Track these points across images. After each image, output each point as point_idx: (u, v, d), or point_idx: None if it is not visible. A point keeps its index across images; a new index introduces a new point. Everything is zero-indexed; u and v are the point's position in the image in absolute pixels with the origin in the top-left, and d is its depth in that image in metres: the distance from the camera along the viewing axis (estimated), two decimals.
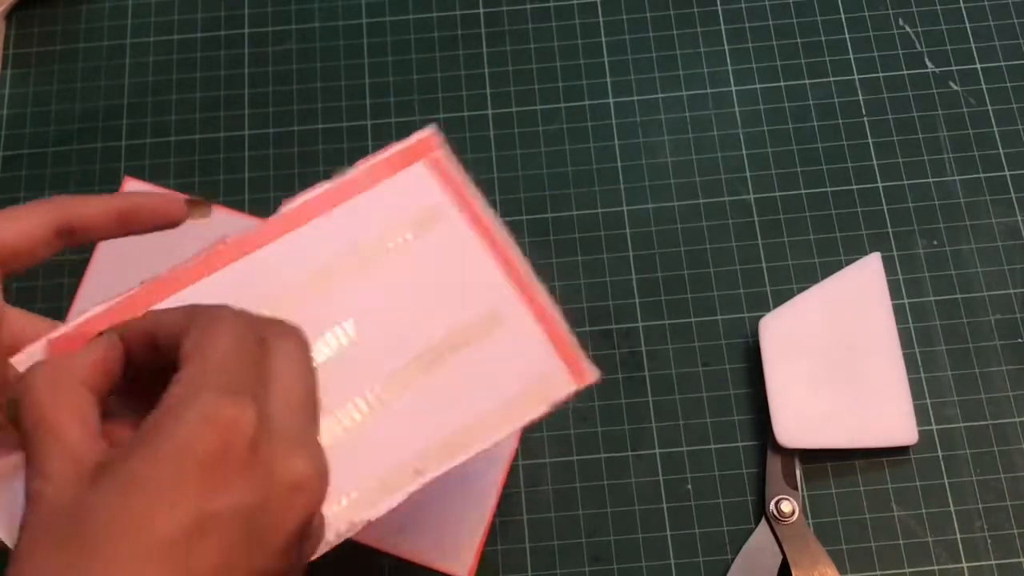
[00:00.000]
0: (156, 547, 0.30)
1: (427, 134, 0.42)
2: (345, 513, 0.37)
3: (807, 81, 0.63)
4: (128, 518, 0.30)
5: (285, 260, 0.40)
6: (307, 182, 0.61)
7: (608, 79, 0.64)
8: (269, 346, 0.34)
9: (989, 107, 0.62)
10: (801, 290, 0.57)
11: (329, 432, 0.38)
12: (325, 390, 0.35)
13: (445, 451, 0.39)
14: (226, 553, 0.31)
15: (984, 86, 0.63)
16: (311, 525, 0.34)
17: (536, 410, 0.40)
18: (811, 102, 0.63)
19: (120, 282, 0.39)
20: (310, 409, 0.34)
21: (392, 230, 0.41)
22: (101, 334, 0.36)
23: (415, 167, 0.42)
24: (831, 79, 0.63)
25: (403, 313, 0.40)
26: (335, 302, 0.40)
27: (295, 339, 0.35)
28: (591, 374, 0.40)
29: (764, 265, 0.59)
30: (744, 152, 0.62)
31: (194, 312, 0.35)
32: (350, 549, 0.54)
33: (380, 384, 0.39)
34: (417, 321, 0.40)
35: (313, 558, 0.36)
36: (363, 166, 0.42)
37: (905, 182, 0.61)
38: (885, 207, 0.60)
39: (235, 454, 0.31)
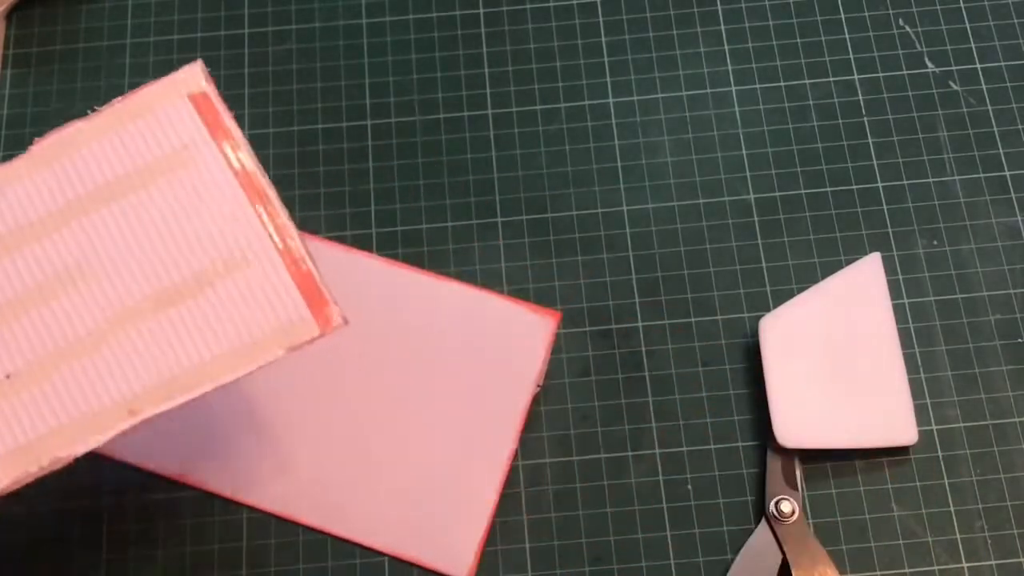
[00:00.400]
0: None
1: (192, 69, 0.41)
2: (50, 442, 0.38)
3: (807, 81, 0.63)
4: None
5: (30, 197, 0.40)
6: (307, 182, 0.61)
7: (608, 79, 0.64)
8: None
9: (989, 107, 0.62)
10: (801, 290, 0.57)
11: (34, 349, 0.39)
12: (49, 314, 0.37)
13: (164, 392, 0.39)
14: None
15: (984, 86, 0.63)
16: None
17: (272, 353, 0.39)
18: (811, 102, 0.63)
19: None
20: None
21: (145, 168, 0.41)
22: None
23: (176, 103, 0.41)
24: (831, 79, 0.63)
25: (144, 252, 0.40)
26: (72, 239, 0.40)
27: None
28: (336, 319, 0.40)
29: (764, 265, 0.59)
30: (744, 152, 0.62)
31: None
32: (349, 550, 0.54)
33: (104, 321, 0.39)
34: (158, 260, 0.40)
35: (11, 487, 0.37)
36: (119, 103, 0.41)
37: (905, 182, 0.61)
38: (885, 207, 0.60)
39: None
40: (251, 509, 0.54)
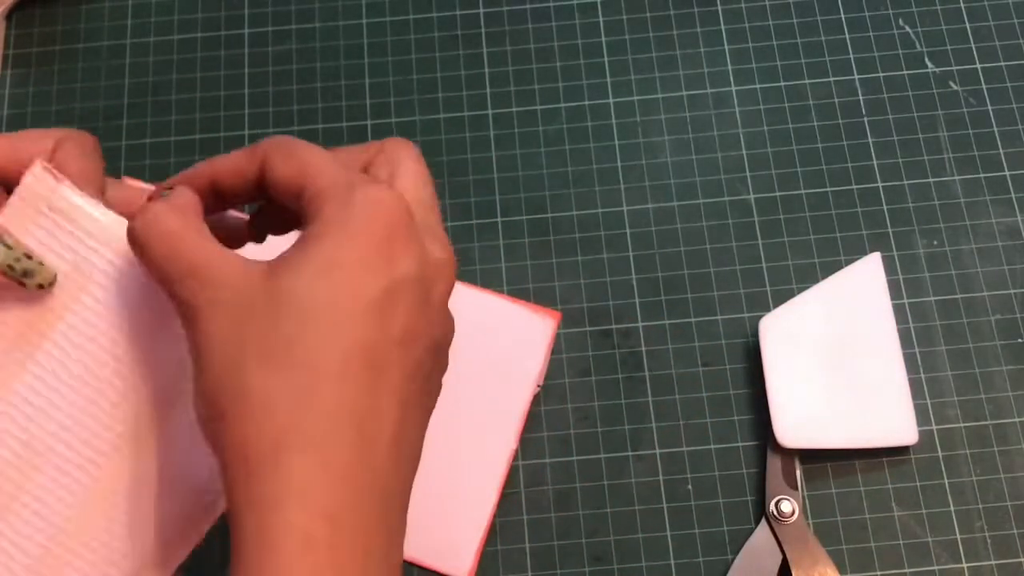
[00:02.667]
0: (360, 312, 0.34)
1: (38, 175, 0.37)
2: None
3: (807, 81, 0.63)
4: (331, 292, 0.34)
5: None
6: None
7: (608, 79, 0.64)
8: (390, 156, 0.39)
9: (989, 107, 0.62)
10: (801, 290, 0.57)
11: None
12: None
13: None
14: (409, 315, 0.35)
15: (984, 86, 0.63)
16: (448, 312, 0.38)
17: None
18: (811, 102, 0.63)
19: None
20: (435, 208, 0.39)
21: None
22: (170, 188, 0.38)
23: (40, 220, 0.38)
24: (831, 79, 0.63)
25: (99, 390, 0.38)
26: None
27: (409, 149, 0.40)
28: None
29: (764, 265, 0.59)
30: (744, 152, 0.62)
31: (308, 162, 0.37)
32: None
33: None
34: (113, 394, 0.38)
35: None
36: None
37: (905, 182, 0.61)
38: (885, 207, 0.60)
39: (400, 232, 0.35)
40: None
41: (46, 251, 0.37)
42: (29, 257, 0.36)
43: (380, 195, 0.35)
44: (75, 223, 0.38)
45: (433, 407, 0.39)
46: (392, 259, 0.35)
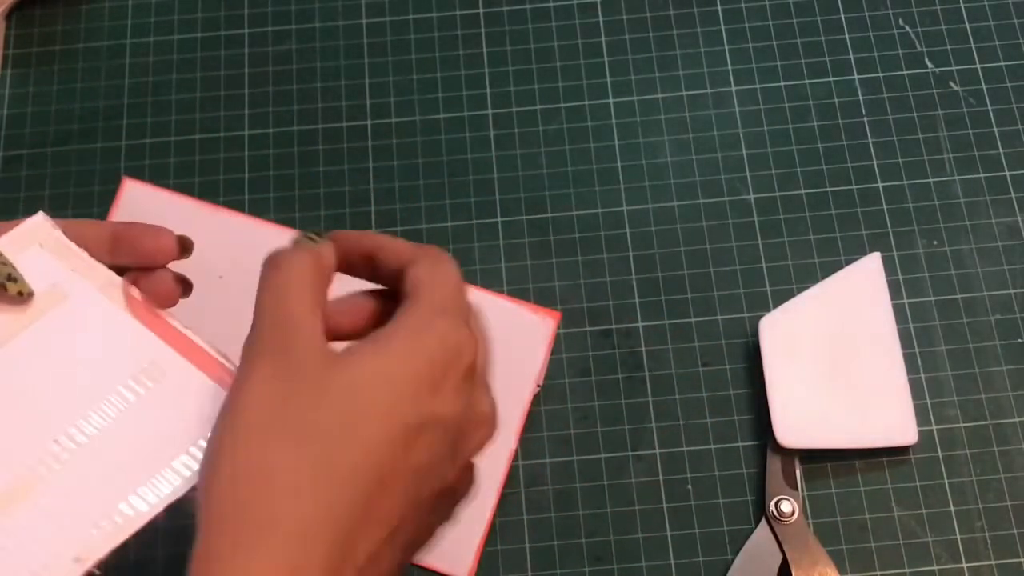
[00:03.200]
0: (388, 430, 0.34)
1: (38, 220, 0.42)
2: None
3: (807, 81, 0.63)
4: (370, 401, 0.35)
5: None
6: (307, 182, 0.61)
7: (608, 79, 0.64)
8: (458, 288, 0.40)
9: (989, 107, 0.62)
10: (801, 290, 0.57)
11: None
12: None
13: (108, 537, 0.38)
14: (434, 453, 0.36)
15: (984, 86, 0.63)
16: (473, 468, 0.39)
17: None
18: (811, 102, 0.63)
19: None
20: (490, 366, 0.40)
21: (22, 316, 0.40)
22: (318, 235, 0.40)
23: (30, 250, 0.41)
24: (831, 79, 0.63)
25: (48, 397, 0.39)
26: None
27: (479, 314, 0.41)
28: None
29: (764, 265, 0.59)
30: (744, 152, 0.62)
31: (423, 247, 0.40)
32: None
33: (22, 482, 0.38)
34: (66, 401, 0.39)
35: None
36: None
37: (905, 182, 0.61)
38: (885, 207, 0.60)
39: (456, 373, 0.36)
40: None
41: (30, 273, 0.40)
42: (12, 274, 0.40)
43: (454, 333, 0.37)
44: (62, 260, 0.41)
45: (419, 549, 0.40)
46: (439, 395, 0.36)
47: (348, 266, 0.40)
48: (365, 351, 0.36)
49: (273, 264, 0.38)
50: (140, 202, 0.60)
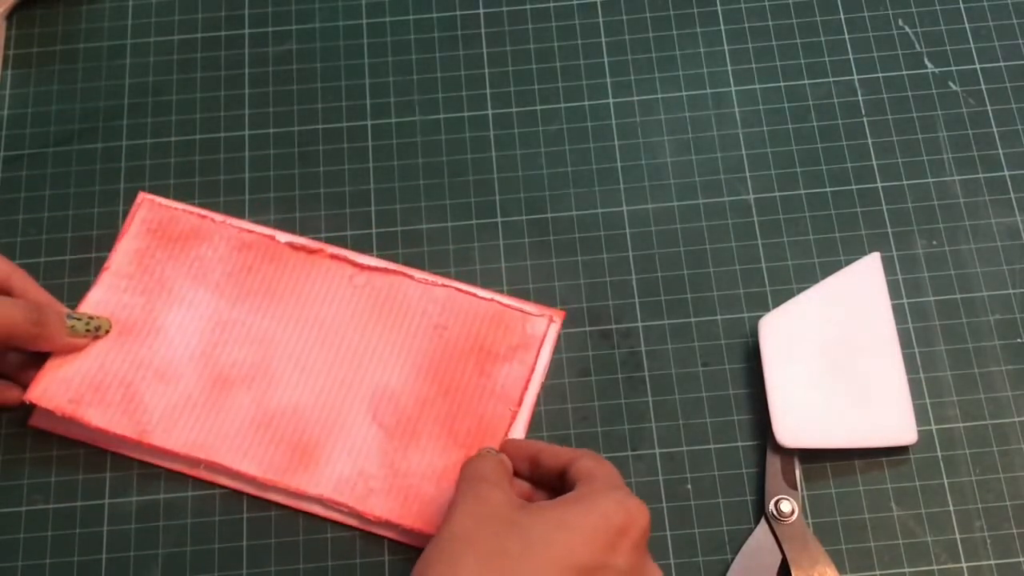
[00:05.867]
0: (562, 567, 0.42)
1: None
2: None
3: (807, 81, 0.63)
4: (550, 541, 0.42)
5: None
6: (307, 182, 0.61)
7: (608, 79, 0.64)
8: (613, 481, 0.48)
9: (989, 107, 0.62)
10: (801, 290, 0.57)
11: None
12: None
13: None
14: None
15: (984, 86, 0.63)
16: None
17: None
18: (811, 102, 0.63)
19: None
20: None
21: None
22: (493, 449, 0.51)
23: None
24: (831, 79, 0.63)
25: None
26: None
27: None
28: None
29: (764, 265, 0.59)
30: (744, 152, 0.62)
31: (580, 449, 0.49)
32: (348, 551, 0.54)
33: None
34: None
35: None
36: None
37: (905, 182, 0.61)
38: (885, 207, 0.60)
39: (630, 537, 0.44)
40: (252, 508, 0.54)
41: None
42: (91, 319, 0.56)
43: (628, 501, 0.44)
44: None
45: None
46: (614, 550, 0.43)
47: (515, 471, 0.50)
48: (550, 504, 0.44)
49: (470, 462, 0.48)
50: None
